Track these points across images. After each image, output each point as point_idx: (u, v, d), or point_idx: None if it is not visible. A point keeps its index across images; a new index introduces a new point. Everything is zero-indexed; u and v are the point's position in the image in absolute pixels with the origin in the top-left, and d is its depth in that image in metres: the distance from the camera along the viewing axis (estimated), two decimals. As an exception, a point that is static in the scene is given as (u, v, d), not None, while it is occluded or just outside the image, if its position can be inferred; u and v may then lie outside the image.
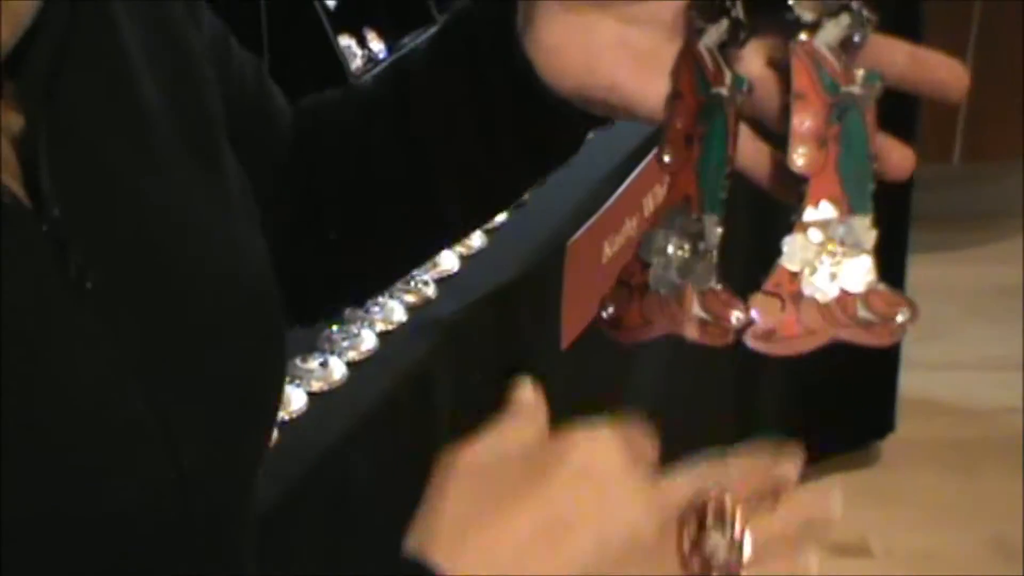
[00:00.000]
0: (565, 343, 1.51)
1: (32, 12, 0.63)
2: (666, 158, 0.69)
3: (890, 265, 2.58)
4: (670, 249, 0.68)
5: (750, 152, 0.69)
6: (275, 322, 0.77)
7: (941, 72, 0.68)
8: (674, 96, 0.69)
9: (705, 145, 0.68)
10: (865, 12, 0.67)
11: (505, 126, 0.76)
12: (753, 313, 0.65)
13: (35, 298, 0.62)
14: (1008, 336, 2.90)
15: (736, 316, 0.66)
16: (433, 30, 0.80)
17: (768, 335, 0.66)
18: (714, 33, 0.69)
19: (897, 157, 0.68)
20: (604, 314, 0.71)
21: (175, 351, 0.68)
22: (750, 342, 0.66)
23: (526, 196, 1.56)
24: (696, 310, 0.67)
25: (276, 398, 0.79)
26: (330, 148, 0.84)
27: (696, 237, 0.68)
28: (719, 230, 0.67)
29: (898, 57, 0.68)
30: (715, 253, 0.67)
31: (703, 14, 0.69)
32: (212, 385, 0.70)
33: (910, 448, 2.66)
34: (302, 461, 1.19)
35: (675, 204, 0.69)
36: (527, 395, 0.68)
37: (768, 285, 0.66)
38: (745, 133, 0.69)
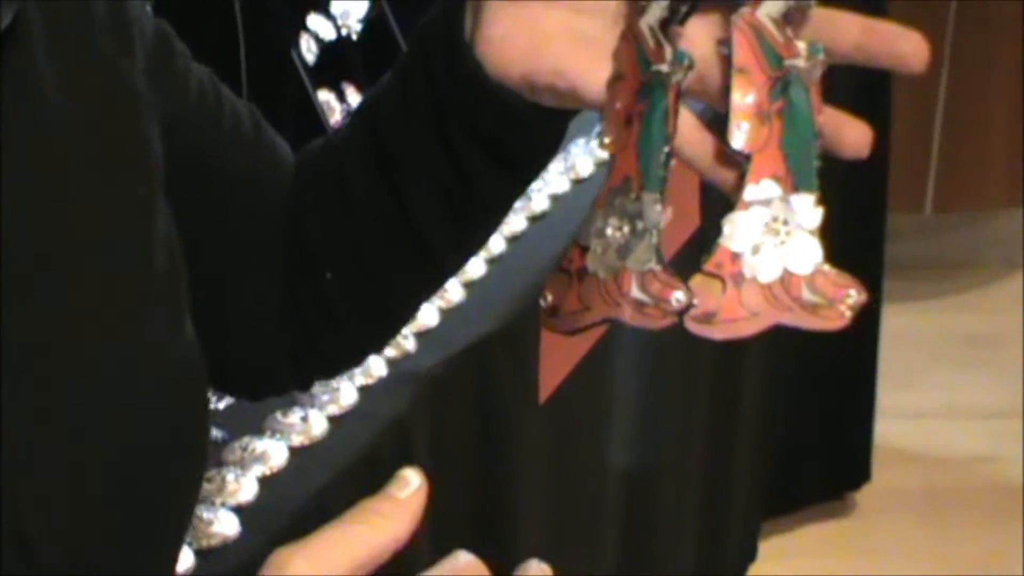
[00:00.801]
0: (543, 397, 1.52)
1: None
2: (606, 139, 0.67)
3: (863, 313, 2.59)
4: (609, 231, 0.66)
5: (690, 136, 0.66)
6: (191, 428, 0.75)
7: (900, 43, 0.65)
8: (616, 77, 0.68)
9: (645, 123, 0.66)
10: None
11: (462, 132, 0.75)
12: (692, 295, 0.63)
13: None
14: (980, 385, 2.92)
15: (676, 297, 0.63)
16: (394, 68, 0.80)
17: (708, 317, 0.63)
18: (656, 11, 0.67)
19: (852, 134, 0.65)
20: (543, 302, 0.69)
21: (48, 462, 0.66)
22: (689, 324, 0.63)
23: (503, 250, 1.57)
24: (635, 291, 0.64)
25: (182, 513, 0.76)
26: (312, 192, 0.84)
27: (635, 216, 0.65)
28: (659, 207, 0.65)
29: (852, 29, 0.65)
30: (656, 232, 0.65)
31: None
32: (90, 508, 0.68)
33: (885, 497, 2.68)
34: (283, 515, 1.19)
35: (616, 186, 0.66)
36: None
37: (708, 265, 0.63)
38: (686, 118, 0.67)
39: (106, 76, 0.74)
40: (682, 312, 0.63)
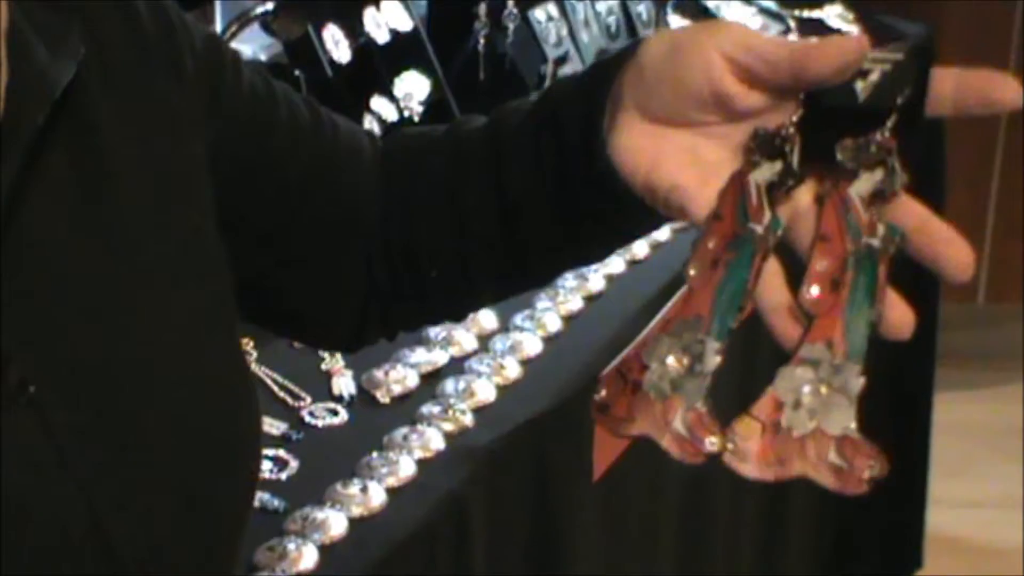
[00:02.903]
0: (597, 475, 1.53)
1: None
2: (692, 271, 0.71)
3: (916, 403, 2.58)
4: (669, 359, 0.70)
5: (771, 285, 0.70)
6: (243, 434, 0.80)
7: (947, 249, 0.68)
8: (714, 216, 0.72)
9: (729, 273, 0.70)
10: (898, 168, 0.70)
11: (584, 209, 0.81)
12: (734, 432, 0.68)
13: None
14: (1033, 475, 2.90)
15: (711, 441, 0.68)
16: (527, 107, 0.85)
17: (743, 455, 0.68)
18: (767, 170, 0.72)
19: (897, 316, 0.68)
20: (597, 397, 0.73)
21: (123, 466, 0.71)
22: (726, 459, 0.68)
23: (559, 328, 1.59)
24: (677, 424, 0.69)
25: (241, 499, 0.81)
26: (424, 195, 0.89)
27: (696, 357, 0.70)
28: (718, 358, 0.69)
29: (912, 220, 0.69)
30: (709, 377, 0.69)
31: (762, 149, 0.72)
32: (160, 493, 0.73)
33: (937, 585, 2.66)
34: (342, 585, 1.22)
35: (687, 318, 0.71)
36: None
37: (754, 408, 0.68)
38: (773, 268, 0.70)
39: (158, 111, 0.78)
40: (714, 456, 0.68)
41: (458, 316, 1.01)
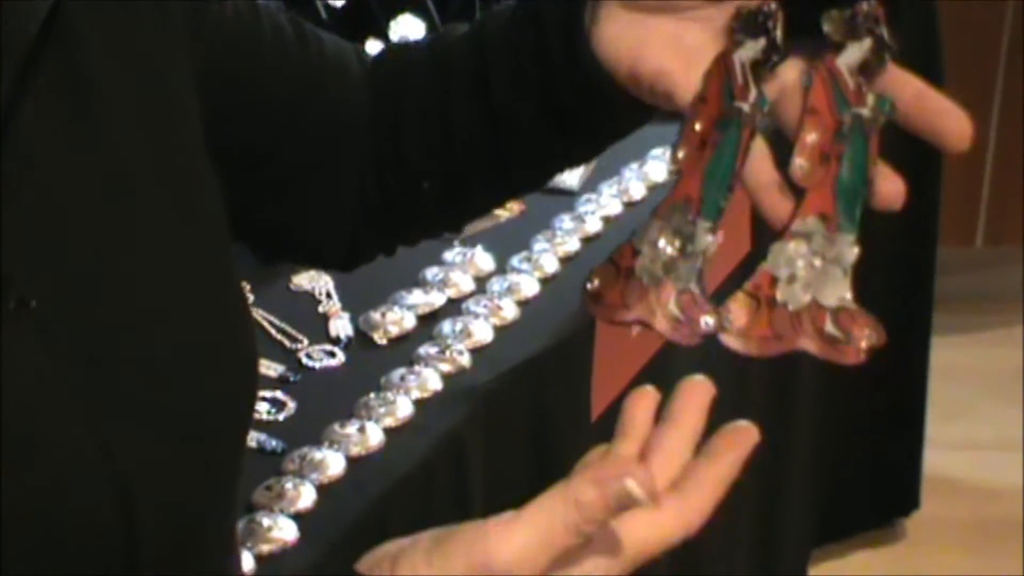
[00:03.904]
0: (595, 415, 1.54)
1: None
2: (680, 155, 0.71)
3: (914, 346, 2.59)
4: (661, 243, 0.70)
5: (758, 166, 0.70)
6: (240, 356, 0.80)
7: (944, 119, 0.68)
8: (700, 99, 0.72)
9: (716, 154, 0.70)
10: (887, 38, 0.70)
11: (570, 106, 0.81)
12: (729, 310, 0.68)
13: None
14: (1030, 417, 2.92)
15: (705, 321, 0.68)
16: (508, 10, 0.85)
17: (740, 332, 0.68)
18: (750, 48, 0.72)
19: (889, 187, 0.68)
20: (589, 287, 0.72)
21: (124, 384, 0.71)
22: (722, 337, 0.68)
23: (556, 270, 1.59)
24: (671, 306, 0.69)
25: (237, 436, 0.81)
26: (412, 107, 0.89)
27: (687, 238, 0.70)
28: (710, 237, 0.69)
29: (907, 92, 0.69)
30: (702, 257, 0.69)
31: (745, 28, 0.72)
32: (162, 419, 0.73)
33: (934, 527, 2.67)
34: (341, 523, 1.22)
35: (677, 202, 0.71)
36: None
37: (749, 285, 0.68)
38: (759, 147, 0.71)
39: (144, 33, 0.78)
40: (708, 336, 0.68)
41: (454, 225, 1.02)
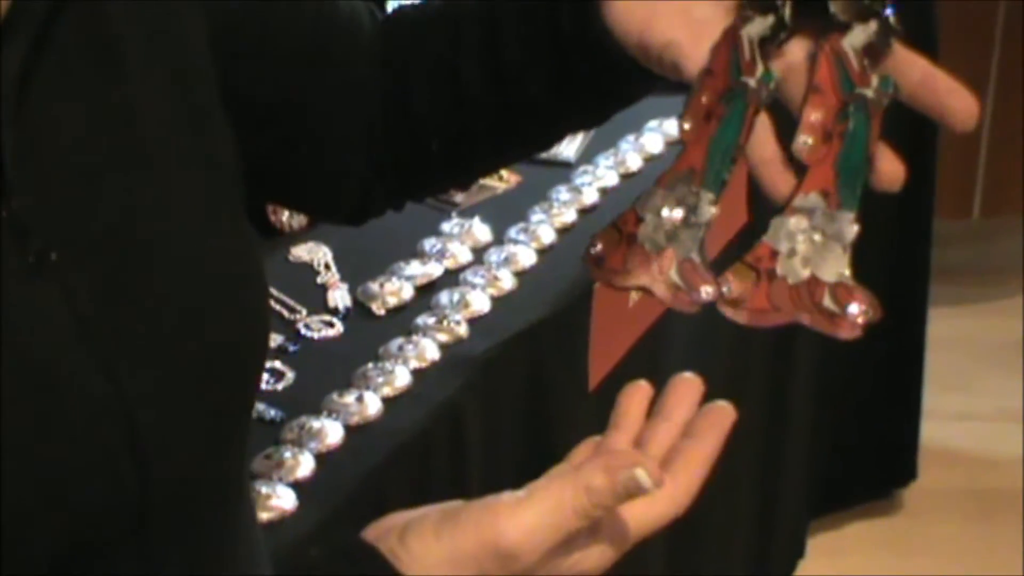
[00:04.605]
0: (592, 384, 1.55)
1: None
2: (685, 126, 0.73)
3: (911, 318, 2.59)
4: (664, 211, 0.71)
5: (761, 140, 0.71)
6: (254, 308, 0.81)
7: (951, 99, 0.70)
8: (707, 71, 0.73)
9: (721, 127, 0.71)
10: (892, 21, 0.71)
11: (580, 72, 0.82)
12: (728, 280, 0.69)
13: None
14: (1027, 388, 2.93)
15: (705, 290, 0.70)
16: None
17: (737, 303, 0.69)
18: (759, 24, 0.72)
19: (888, 168, 0.70)
20: (592, 250, 0.74)
21: (140, 335, 0.72)
22: (720, 306, 0.70)
23: (553, 240, 1.60)
24: (672, 274, 0.71)
25: (250, 385, 0.82)
26: (422, 66, 0.89)
27: (690, 208, 0.71)
28: (713, 208, 0.71)
29: (914, 73, 0.70)
30: (703, 227, 0.71)
31: (753, 4, 0.73)
32: (178, 367, 0.74)
33: (932, 496, 2.69)
34: (339, 491, 1.23)
35: (681, 172, 0.72)
36: None
37: (748, 257, 0.70)
38: (763, 122, 0.72)
39: (176, 34, 0.79)
40: (707, 304, 0.70)
41: (462, 184, 1.03)
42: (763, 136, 0.71)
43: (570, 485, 0.69)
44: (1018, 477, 2.71)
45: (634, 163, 1.78)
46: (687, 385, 0.78)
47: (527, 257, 1.56)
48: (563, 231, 1.63)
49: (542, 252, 1.59)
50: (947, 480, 2.73)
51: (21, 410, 0.65)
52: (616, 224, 0.73)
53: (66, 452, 0.67)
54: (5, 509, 0.64)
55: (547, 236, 1.61)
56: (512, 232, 1.61)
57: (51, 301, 0.68)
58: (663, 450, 0.75)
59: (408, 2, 0.96)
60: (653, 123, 1.84)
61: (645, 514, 0.74)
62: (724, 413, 0.75)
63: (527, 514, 0.69)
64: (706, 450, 0.74)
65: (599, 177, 1.73)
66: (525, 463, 1.47)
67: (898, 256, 2.44)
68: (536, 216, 1.64)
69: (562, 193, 1.69)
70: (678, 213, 0.71)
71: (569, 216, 1.65)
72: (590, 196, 1.70)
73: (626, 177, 1.76)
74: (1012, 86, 3.17)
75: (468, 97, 0.87)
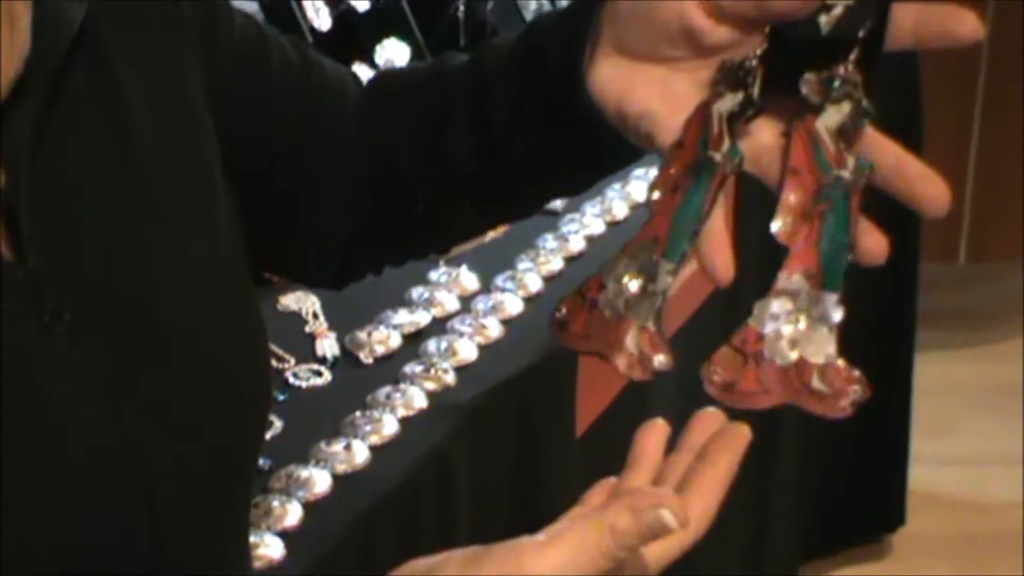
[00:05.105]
0: (580, 430, 1.55)
1: (24, 55, 0.69)
2: (653, 196, 0.73)
3: (898, 363, 2.59)
4: (625, 279, 0.72)
5: (714, 216, 0.72)
6: (258, 363, 0.83)
7: (923, 186, 0.70)
8: (678, 144, 0.74)
9: (686, 199, 0.72)
10: (865, 103, 0.71)
11: (563, 140, 0.84)
12: (716, 365, 0.70)
13: (9, 339, 0.67)
14: (1013, 432, 2.92)
15: (659, 359, 0.71)
16: (509, 42, 0.88)
17: (728, 386, 0.70)
18: (729, 101, 0.73)
19: (871, 243, 0.70)
20: (557, 314, 0.75)
21: (151, 389, 0.74)
22: (709, 390, 0.70)
23: (540, 288, 1.61)
24: (628, 341, 0.72)
25: (256, 434, 0.84)
26: (409, 132, 0.90)
27: (650, 276, 0.72)
28: (670, 279, 0.71)
29: (886, 158, 0.70)
30: (662, 297, 0.72)
31: (725, 80, 0.74)
32: (188, 423, 0.76)
33: (921, 541, 2.69)
34: (327, 540, 1.23)
35: (645, 240, 0.73)
36: None
37: (735, 340, 0.70)
38: (720, 201, 0.72)
39: (162, 52, 0.80)
40: (659, 373, 0.71)
41: (442, 247, 1.03)
42: (718, 211, 0.72)
43: (594, 526, 0.69)
44: (1005, 521, 2.71)
45: (620, 211, 1.79)
46: (710, 419, 0.77)
47: (514, 305, 1.57)
48: (550, 279, 1.64)
49: (529, 300, 1.60)
50: (936, 525, 2.73)
51: (36, 462, 0.67)
52: (581, 289, 0.75)
53: (80, 503, 0.69)
54: (18, 557, 0.65)
55: (534, 284, 1.62)
56: (499, 280, 1.62)
57: (65, 358, 0.70)
58: (679, 479, 0.75)
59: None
60: (640, 171, 1.86)
61: (664, 545, 0.74)
62: (739, 435, 0.75)
63: (552, 556, 0.69)
64: (720, 473, 0.74)
65: (586, 225, 1.75)
66: (514, 510, 1.48)
67: (887, 300, 2.45)
68: (523, 264, 1.65)
69: (549, 241, 1.70)
70: (638, 282, 0.72)
71: (556, 264, 1.66)
72: (577, 244, 1.71)
73: (612, 225, 1.77)
74: (996, 133, 3.19)
75: (454, 162, 0.88)
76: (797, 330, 0.69)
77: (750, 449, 0.74)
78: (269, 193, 0.90)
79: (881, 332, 2.42)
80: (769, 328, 0.70)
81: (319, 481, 1.28)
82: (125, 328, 0.73)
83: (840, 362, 0.69)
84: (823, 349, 0.69)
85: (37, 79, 0.70)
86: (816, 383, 0.69)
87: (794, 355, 0.69)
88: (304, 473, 1.28)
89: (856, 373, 0.68)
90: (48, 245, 0.70)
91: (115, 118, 0.76)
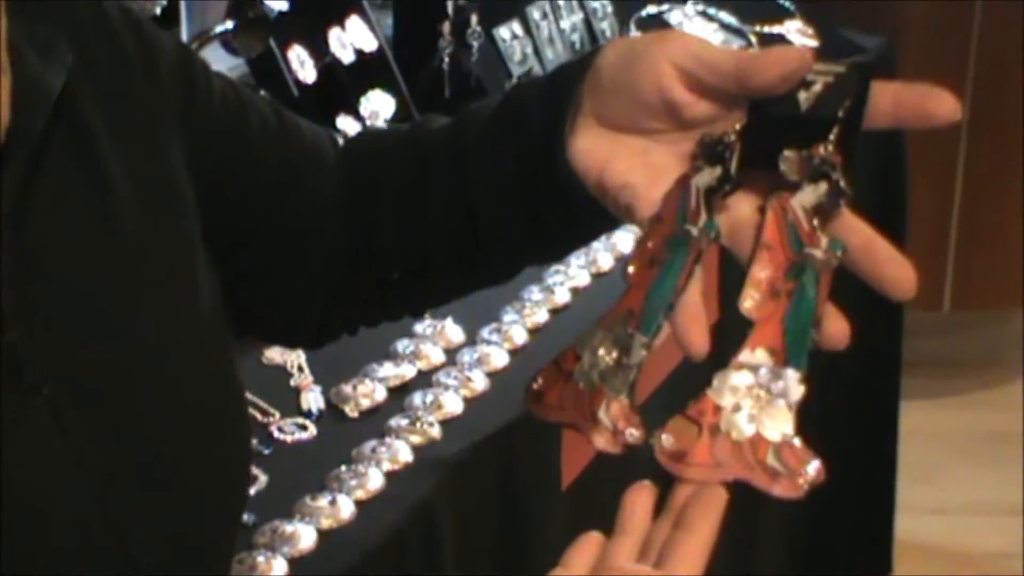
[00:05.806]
0: (565, 484, 1.55)
1: (4, 128, 0.69)
2: (631, 269, 0.74)
3: (883, 411, 2.59)
4: (600, 351, 0.73)
5: (689, 294, 0.72)
6: (238, 435, 0.83)
7: (889, 268, 0.71)
8: (656, 217, 0.74)
9: (662, 272, 0.72)
10: (843, 184, 0.71)
11: (543, 209, 0.84)
12: (668, 434, 0.69)
13: None
14: (1000, 481, 2.93)
15: (631, 432, 0.71)
16: (489, 110, 0.88)
17: (679, 456, 0.70)
18: (707, 175, 0.74)
19: (834, 328, 0.70)
20: (533, 385, 0.76)
21: (130, 458, 0.74)
22: (660, 458, 0.70)
23: (526, 341, 1.61)
24: (601, 414, 0.72)
25: (237, 495, 0.84)
26: (387, 199, 0.91)
27: (624, 350, 0.72)
28: (644, 352, 0.72)
29: (856, 238, 0.71)
30: (636, 370, 0.72)
31: (705, 154, 0.74)
32: (169, 498, 0.76)
33: (907, 591, 2.69)
34: (312, 596, 1.23)
35: (620, 313, 0.73)
36: None
37: (691, 410, 0.70)
38: (696, 276, 0.73)
39: (142, 120, 0.81)
40: (631, 447, 0.71)
41: (418, 311, 1.04)
42: (694, 284, 0.72)
43: None
44: (992, 570, 2.71)
45: (606, 263, 1.79)
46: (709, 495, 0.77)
47: (499, 358, 1.57)
48: (535, 331, 1.64)
49: (514, 352, 1.59)
50: (920, 573, 2.72)
51: (16, 535, 0.66)
52: (557, 360, 0.75)
53: (59, 571, 0.68)
54: None
55: (519, 337, 1.61)
56: (484, 332, 1.62)
57: (43, 431, 0.70)
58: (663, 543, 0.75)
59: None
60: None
61: None
62: (716, 497, 0.75)
63: None
64: (701, 541, 0.74)
65: (571, 277, 1.74)
66: (500, 564, 1.47)
67: (871, 347, 2.45)
68: (508, 316, 1.65)
69: (534, 293, 1.70)
70: (613, 354, 0.72)
71: (541, 316, 1.66)
72: (562, 296, 1.71)
73: (598, 276, 1.77)
74: (979, 181, 3.21)
75: (431, 229, 0.89)
76: (756, 405, 0.69)
77: (735, 498, 0.74)
78: (245, 260, 0.90)
79: (866, 379, 2.42)
80: (727, 400, 0.69)
81: (304, 536, 1.28)
82: (106, 399, 0.73)
83: (796, 441, 0.69)
84: (780, 427, 0.69)
85: (17, 152, 0.70)
86: (771, 460, 0.68)
87: (751, 430, 0.69)
88: (289, 528, 1.28)
89: (812, 453, 0.68)
90: (29, 318, 0.69)
91: (96, 189, 0.76)
